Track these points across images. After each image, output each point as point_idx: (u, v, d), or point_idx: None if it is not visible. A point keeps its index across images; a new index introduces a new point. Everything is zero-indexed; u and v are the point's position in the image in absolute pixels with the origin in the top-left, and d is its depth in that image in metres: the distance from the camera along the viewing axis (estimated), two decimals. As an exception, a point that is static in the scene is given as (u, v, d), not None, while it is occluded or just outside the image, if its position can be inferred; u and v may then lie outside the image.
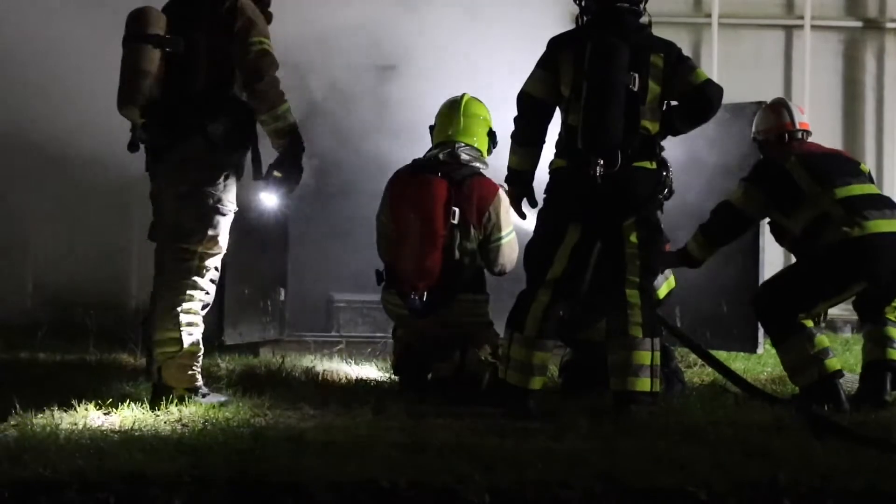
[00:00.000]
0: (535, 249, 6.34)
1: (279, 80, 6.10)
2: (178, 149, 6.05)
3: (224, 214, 6.12)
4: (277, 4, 6.39)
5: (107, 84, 7.94)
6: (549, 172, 6.32)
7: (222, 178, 6.09)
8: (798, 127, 7.15)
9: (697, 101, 6.20)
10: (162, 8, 6.20)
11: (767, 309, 6.84)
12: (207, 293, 6.16)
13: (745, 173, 7.06)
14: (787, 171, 6.81)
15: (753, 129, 7.39)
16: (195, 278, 6.08)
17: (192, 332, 6.08)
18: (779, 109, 7.26)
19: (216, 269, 6.20)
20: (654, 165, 6.21)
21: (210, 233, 6.07)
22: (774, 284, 6.94)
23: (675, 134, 6.33)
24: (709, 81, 6.20)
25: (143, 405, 5.86)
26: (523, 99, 6.29)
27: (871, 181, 7.01)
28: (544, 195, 6.34)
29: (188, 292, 6.07)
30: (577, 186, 6.13)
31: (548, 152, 6.35)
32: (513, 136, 6.33)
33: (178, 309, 6.04)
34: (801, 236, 6.76)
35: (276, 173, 6.14)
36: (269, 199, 6.30)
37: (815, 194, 6.70)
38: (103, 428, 5.39)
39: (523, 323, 6.22)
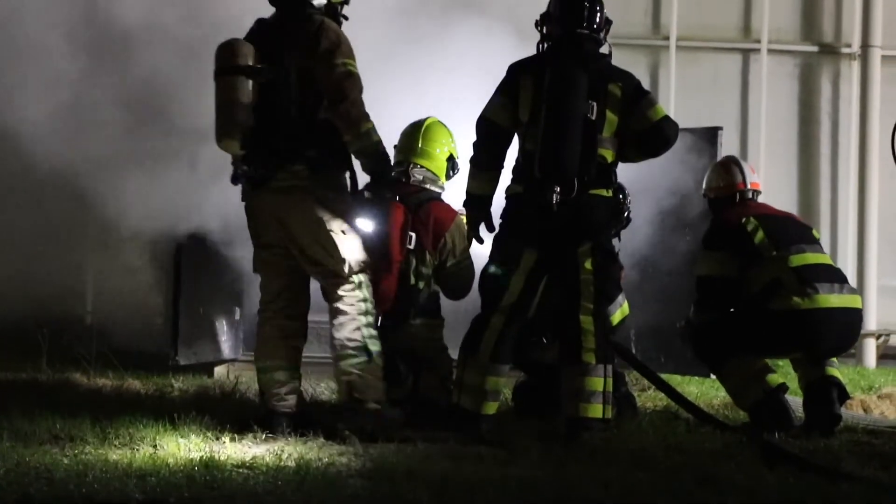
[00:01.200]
0: (490, 274, 6.36)
1: (363, 101, 6.09)
2: (279, 178, 6.07)
3: (345, 233, 6.17)
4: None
5: (67, 98, 7.90)
6: (506, 198, 6.35)
7: (330, 201, 6.12)
8: (749, 187, 7.14)
9: (655, 137, 6.25)
10: (245, 37, 6.22)
11: (703, 351, 6.91)
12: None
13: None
14: (746, 231, 6.82)
15: (704, 185, 7.35)
16: (355, 296, 6.14)
17: (375, 343, 6.15)
18: (731, 168, 7.22)
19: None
20: (610, 193, 6.26)
21: (337, 255, 6.10)
22: (714, 331, 6.93)
23: (626, 161, 6.38)
24: (666, 119, 6.24)
25: (93, 427, 5.80)
26: (483, 124, 6.31)
27: (822, 247, 7.05)
28: (500, 220, 6.36)
29: (357, 314, 6.13)
30: (534, 212, 6.16)
31: (505, 177, 6.38)
32: (472, 160, 6.34)
33: (360, 324, 6.11)
34: (749, 296, 6.79)
35: (366, 194, 6.18)
36: (364, 224, 6.32)
37: (770, 258, 6.73)
38: (53, 451, 5.35)
39: (477, 347, 6.24)
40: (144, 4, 7.83)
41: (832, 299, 6.66)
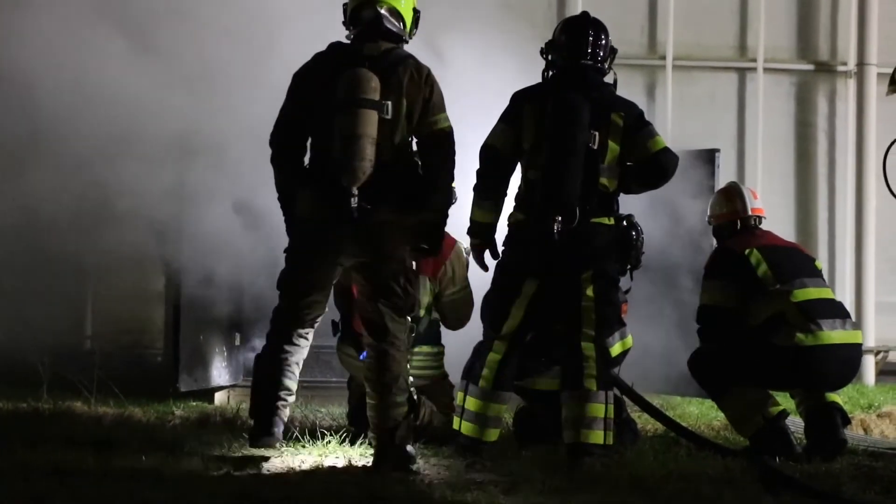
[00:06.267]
0: (491, 301, 6.37)
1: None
2: (372, 214, 5.86)
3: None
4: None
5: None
6: (508, 226, 6.38)
7: (411, 240, 6.06)
8: (751, 213, 7.15)
9: (652, 168, 6.28)
10: (330, 62, 5.99)
11: (704, 379, 6.89)
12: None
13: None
14: (749, 262, 6.81)
15: (708, 212, 7.39)
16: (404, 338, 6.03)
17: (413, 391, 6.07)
18: (731, 195, 7.25)
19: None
20: (612, 221, 6.28)
21: (409, 294, 6.01)
22: (716, 360, 6.90)
23: (627, 192, 6.40)
24: (665, 150, 6.27)
25: (95, 458, 5.78)
26: (486, 152, 6.32)
27: (824, 280, 7.05)
28: (502, 248, 6.38)
29: (405, 353, 6.03)
30: (536, 240, 6.18)
31: (507, 205, 6.39)
32: (475, 188, 6.35)
33: (406, 373, 6.00)
34: (750, 328, 6.79)
35: (423, 245, 6.10)
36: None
37: (774, 292, 6.72)
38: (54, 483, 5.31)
39: (479, 374, 6.26)
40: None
41: (834, 336, 6.65)
